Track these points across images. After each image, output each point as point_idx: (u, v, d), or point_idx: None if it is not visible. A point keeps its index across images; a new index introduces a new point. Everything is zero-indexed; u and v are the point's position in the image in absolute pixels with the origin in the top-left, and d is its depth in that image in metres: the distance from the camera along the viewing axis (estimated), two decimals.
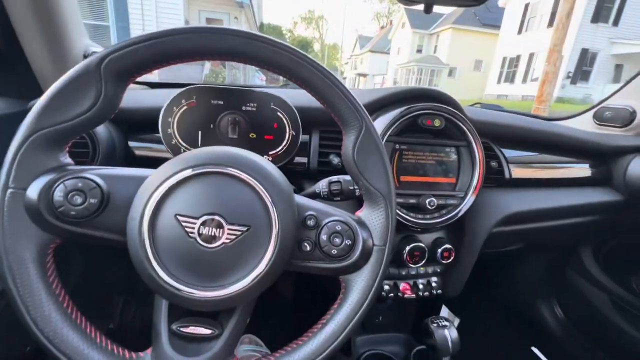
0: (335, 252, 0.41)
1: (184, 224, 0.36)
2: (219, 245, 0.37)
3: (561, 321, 1.24)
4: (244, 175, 0.38)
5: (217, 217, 0.37)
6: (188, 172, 0.37)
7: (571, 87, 13.90)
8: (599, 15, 13.08)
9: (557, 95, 11.74)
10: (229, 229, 0.37)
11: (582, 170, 0.99)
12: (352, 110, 0.42)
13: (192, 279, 0.37)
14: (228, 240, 0.37)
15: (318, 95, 0.42)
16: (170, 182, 0.37)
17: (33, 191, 0.36)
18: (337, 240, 0.41)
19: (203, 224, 0.36)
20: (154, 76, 0.93)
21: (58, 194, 0.36)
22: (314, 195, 0.56)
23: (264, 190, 0.38)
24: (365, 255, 0.42)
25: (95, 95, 0.37)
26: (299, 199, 0.44)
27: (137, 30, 7.58)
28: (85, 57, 0.73)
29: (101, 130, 0.63)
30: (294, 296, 1.30)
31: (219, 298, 0.37)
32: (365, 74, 32.33)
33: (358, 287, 0.42)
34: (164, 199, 0.37)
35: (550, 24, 12.96)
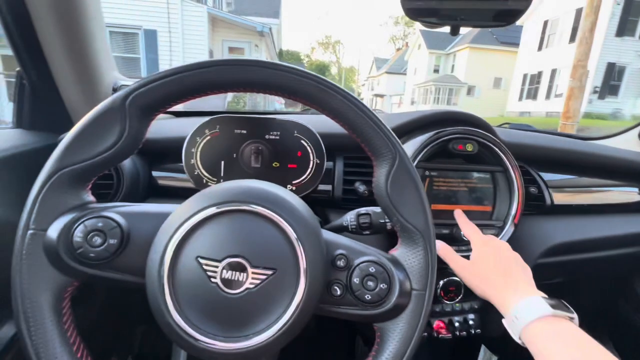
0: (369, 297, 0.37)
1: (205, 267, 0.34)
2: (242, 291, 0.33)
3: None
4: (267, 212, 0.35)
5: (240, 260, 0.34)
6: (211, 211, 0.35)
7: (599, 102, 13.38)
8: (624, 29, 12.73)
9: (584, 111, 11.31)
10: (253, 273, 0.34)
11: (630, 194, 0.90)
12: (384, 140, 0.39)
13: (213, 328, 0.34)
14: (252, 286, 0.34)
15: (347, 125, 0.39)
16: (192, 221, 0.34)
17: (53, 232, 0.34)
18: (371, 284, 0.37)
19: (226, 267, 0.34)
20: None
21: (78, 235, 0.34)
22: (341, 229, 0.53)
23: (289, 228, 0.35)
24: (403, 301, 0.38)
25: (119, 132, 0.36)
26: (327, 234, 0.41)
27: (164, 60, 8.09)
28: (114, 90, 0.75)
29: (126, 160, 0.63)
30: (320, 335, 1.23)
31: (242, 350, 0.33)
32: (383, 95, 32.66)
33: (395, 338, 0.37)
34: (186, 240, 0.34)
35: (572, 39, 12.74)
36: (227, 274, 0.33)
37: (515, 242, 0.70)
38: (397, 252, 0.40)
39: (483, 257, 0.52)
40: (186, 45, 8.36)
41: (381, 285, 0.37)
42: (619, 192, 0.90)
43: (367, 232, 0.52)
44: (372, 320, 0.39)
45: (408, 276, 0.38)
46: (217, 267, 0.33)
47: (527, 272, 0.50)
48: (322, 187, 0.72)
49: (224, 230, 0.35)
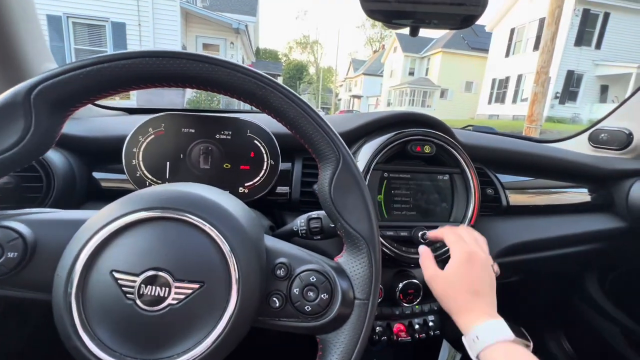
0: (310, 308, 0.35)
1: (120, 282, 0.30)
2: (163, 308, 0.30)
3: (570, 356, 1.15)
4: (195, 220, 0.32)
5: (161, 273, 0.30)
6: (129, 218, 0.31)
7: (560, 107, 14.25)
8: (581, 39, 13.64)
9: (547, 115, 12.02)
10: (176, 287, 0.30)
11: (581, 195, 0.94)
12: (327, 141, 0.36)
13: (130, 351, 0.30)
14: (175, 302, 0.30)
15: (289, 125, 0.37)
16: (108, 230, 0.31)
17: None
18: (312, 295, 0.35)
19: (145, 282, 0.30)
20: (131, 101, 0.88)
21: None
22: (292, 234, 0.50)
23: (221, 237, 0.32)
24: (346, 311, 0.36)
25: (23, 129, 0.32)
26: (270, 242, 0.38)
27: None
28: None
29: (58, 160, 0.57)
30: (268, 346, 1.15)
31: None
32: (360, 96, 33.02)
33: (337, 351, 0.35)
34: (100, 251, 0.31)
35: (536, 47, 13.46)
36: (146, 290, 0.30)
37: None
38: (342, 259, 0.39)
39: (460, 274, 0.48)
40: (157, 40, 8.03)
41: (322, 296, 0.35)
42: (571, 193, 0.94)
43: (318, 237, 0.49)
44: (313, 332, 0.36)
45: (351, 285, 0.37)
46: (134, 282, 0.30)
47: (493, 288, 0.49)
48: (281, 189, 0.69)
49: (145, 241, 0.31)
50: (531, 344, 0.42)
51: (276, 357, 1.01)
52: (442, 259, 0.65)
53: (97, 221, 0.31)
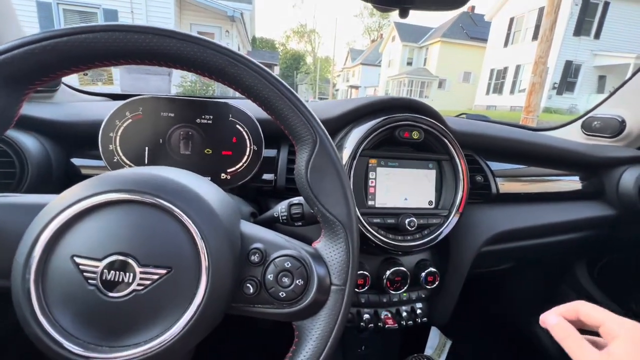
0: (284, 294, 0.34)
1: (82, 267, 0.29)
2: (127, 294, 0.29)
3: (558, 345, 1.16)
4: (163, 203, 0.30)
5: (125, 258, 0.29)
6: (92, 201, 0.30)
7: (557, 98, 14.22)
8: (580, 29, 13.52)
9: (544, 106, 11.99)
10: (142, 273, 0.29)
11: (573, 183, 0.94)
12: (303, 121, 0.35)
13: (94, 338, 0.29)
14: (140, 287, 0.29)
15: (264, 105, 0.35)
16: (68, 213, 0.29)
17: None
18: (286, 281, 0.34)
19: (108, 267, 0.29)
20: (115, 87, 0.86)
21: None
22: (273, 221, 0.49)
23: (190, 222, 0.31)
24: (322, 297, 0.35)
25: None
26: (247, 227, 0.37)
27: None
28: None
29: (32, 146, 0.55)
30: (247, 331, 1.16)
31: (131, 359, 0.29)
32: (357, 86, 32.74)
33: (313, 337, 0.35)
34: (60, 235, 0.29)
35: (535, 37, 13.35)
36: (110, 275, 0.29)
37: (459, 230, 0.70)
38: (319, 244, 0.38)
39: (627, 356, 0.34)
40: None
41: (297, 282, 0.34)
42: (563, 181, 0.93)
43: (300, 223, 0.48)
44: (289, 318, 0.36)
45: (328, 271, 0.36)
46: (96, 267, 0.29)
47: None
48: (266, 176, 0.68)
49: (109, 225, 0.30)
50: None
51: (254, 344, 1.01)
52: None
53: (58, 204, 0.30)
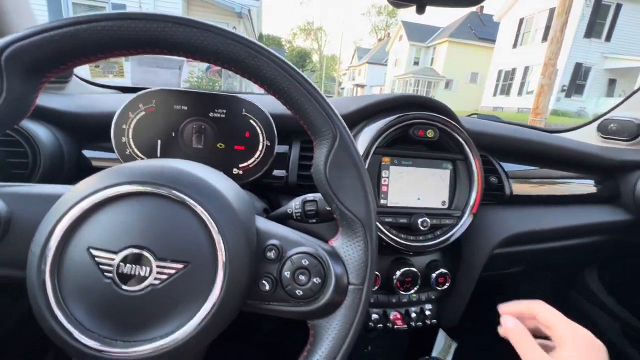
0: (301, 292, 0.33)
1: (98, 259, 0.28)
2: (144, 288, 0.28)
3: None
4: (181, 196, 0.30)
5: (142, 252, 0.28)
6: (109, 192, 0.29)
7: (566, 100, 14.05)
8: (591, 31, 13.33)
9: (552, 108, 11.86)
10: (158, 267, 0.29)
11: (587, 186, 0.92)
12: (323, 116, 0.34)
13: (109, 332, 0.28)
14: (157, 282, 0.29)
15: (283, 98, 0.34)
16: (85, 204, 0.29)
17: None
18: (303, 278, 0.33)
19: (124, 260, 0.28)
20: (125, 79, 0.86)
21: None
22: (286, 217, 0.48)
23: (208, 216, 0.30)
24: (339, 296, 0.34)
25: None
26: (262, 223, 0.36)
27: None
28: None
29: (45, 137, 0.55)
30: (260, 329, 1.14)
31: (145, 355, 0.28)
32: (363, 85, 32.64)
33: (329, 337, 0.34)
34: (77, 226, 0.29)
35: (545, 38, 13.19)
36: (126, 269, 0.28)
37: (471, 231, 0.69)
38: (336, 242, 0.37)
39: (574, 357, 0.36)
40: None
41: (314, 280, 0.33)
42: (576, 184, 0.91)
43: (314, 221, 0.47)
44: (304, 317, 0.35)
45: (346, 269, 0.35)
46: (112, 259, 0.28)
47: None
48: (277, 172, 0.67)
49: (126, 217, 0.29)
50: None
51: (268, 341, 1.01)
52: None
53: (74, 195, 0.29)
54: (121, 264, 0.28)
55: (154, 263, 0.28)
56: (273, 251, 0.34)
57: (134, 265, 0.28)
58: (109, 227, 0.29)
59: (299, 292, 0.33)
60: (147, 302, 0.29)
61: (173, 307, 0.29)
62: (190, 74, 6.06)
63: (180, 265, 0.29)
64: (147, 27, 0.30)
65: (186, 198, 0.30)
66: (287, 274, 0.33)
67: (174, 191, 0.30)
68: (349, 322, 0.34)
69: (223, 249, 0.30)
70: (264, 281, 0.33)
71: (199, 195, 0.31)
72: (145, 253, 0.28)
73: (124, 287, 0.28)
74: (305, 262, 0.33)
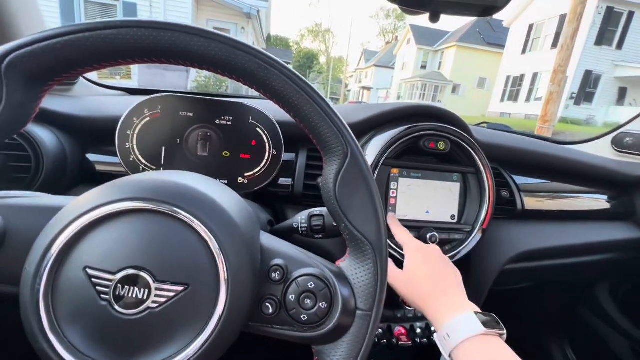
0: (306, 317, 0.31)
1: (95, 281, 0.27)
2: (142, 311, 0.27)
3: None
4: (183, 215, 0.28)
5: (141, 273, 0.27)
6: (109, 209, 0.28)
7: (575, 108, 13.88)
8: (602, 38, 13.17)
9: (560, 116, 11.72)
10: (157, 289, 0.27)
11: (600, 202, 0.89)
12: (334, 131, 0.32)
13: (104, 356, 0.27)
14: (155, 305, 0.27)
15: (293, 111, 0.33)
16: (84, 221, 0.27)
17: None
18: (309, 303, 0.31)
19: (122, 282, 0.27)
20: (132, 81, 0.85)
21: None
22: (291, 231, 0.47)
23: (210, 235, 0.28)
24: (346, 321, 0.32)
25: None
26: (266, 240, 0.35)
27: None
28: None
29: (49, 140, 0.54)
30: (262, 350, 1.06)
31: None
32: (370, 88, 32.59)
33: None
34: (74, 244, 0.27)
35: (554, 44, 13.06)
36: (123, 291, 0.27)
37: (482, 247, 0.66)
38: (344, 263, 0.35)
39: (415, 266, 0.48)
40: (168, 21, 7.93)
41: (320, 304, 0.32)
42: (588, 199, 0.88)
43: (320, 236, 0.46)
44: (309, 342, 0.33)
45: (353, 293, 0.33)
46: (110, 281, 0.27)
47: (458, 278, 0.49)
48: (283, 181, 0.66)
49: (125, 235, 0.28)
50: (505, 332, 0.39)
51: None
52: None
53: (73, 210, 0.28)
54: (119, 285, 0.27)
55: (153, 285, 0.27)
56: (278, 272, 0.32)
57: (132, 287, 0.27)
58: (108, 246, 0.27)
59: (304, 317, 0.31)
60: (145, 326, 0.27)
61: (171, 331, 0.28)
62: (198, 73, 6.08)
63: (180, 288, 0.28)
64: (153, 36, 0.29)
65: (188, 216, 0.29)
66: (292, 297, 0.32)
67: (176, 209, 0.29)
68: (356, 350, 0.32)
69: (225, 271, 0.28)
70: (267, 303, 0.32)
71: (202, 212, 0.29)
72: (144, 274, 0.27)
73: (120, 310, 0.27)
74: (311, 285, 0.32)
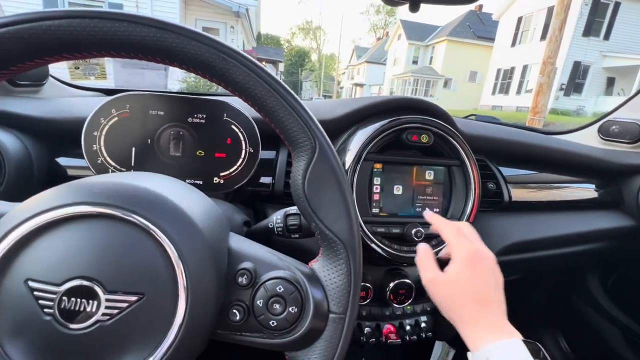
0: (275, 323, 0.30)
1: (37, 294, 0.25)
2: (90, 325, 0.25)
3: (567, 356, 1.11)
4: (138, 219, 0.26)
5: (89, 283, 0.25)
6: (53, 214, 0.25)
7: (565, 99, 14.02)
8: (590, 30, 13.30)
9: (551, 107, 11.83)
10: (108, 301, 0.25)
11: (588, 191, 0.89)
12: (300, 126, 0.30)
13: None
14: (106, 317, 0.25)
15: (257, 104, 0.31)
16: (25, 228, 0.25)
17: None
18: (278, 307, 0.30)
19: (67, 294, 0.25)
20: (108, 82, 0.82)
21: None
22: (267, 232, 0.45)
23: (167, 241, 0.26)
24: (318, 325, 0.31)
25: None
26: (235, 242, 0.33)
27: None
28: None
29: (11, 145, 0.51)
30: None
31: None
32: (362, 84, 32.58)
33: None
34: (15, 254, 0.25)
35: (543, 37, 13.15)
36: (69, 304, 0.25)
37: None
38: (317, 264, 0.33)
39: (464, 278, 0.41)
40: None
41: (290, 309, 0.30)
42: (576, 189, 0.88)
43: (296, 236, 0.44)
44: (281, 349, 0.31)
45: (326, 295, 0.31)
46: (54, 293, 0.25)
47: (503, 299, 0.42)
48: (265, 179, 0.64)
49: (71, 243, 0.26)
50: None
51: None
52: (439, 259, 0.60)
53: (14, 216, 0.26)
54: (64, 298, 0.25)
55: (103, 296, 0.25)
56: (245, 276, 0.31)
57: (79, 300, 0.25)
58: (52, 255, 0.25)
59: (272, 323, 0.30)
60: (95, 341, 0.25)
61: (126, 346, 0.26)
62: (186, 73, 5.99)
63: (133, 298, 0.26)
64: (99, 27, 0.26)
65: (143, 220, 0.26)
66: (259, 302, 0.30)
67: (129, 213, 0.26)
68: (330, 354, 0.30)
69: (184, 277, 0.26)
70: (234, 310, 0.30)
71: (158, 217, 0.27)
72: (93, 285, 0.25)
73: (67, 324, 0.25)
74: (280, 289, 0.30)
